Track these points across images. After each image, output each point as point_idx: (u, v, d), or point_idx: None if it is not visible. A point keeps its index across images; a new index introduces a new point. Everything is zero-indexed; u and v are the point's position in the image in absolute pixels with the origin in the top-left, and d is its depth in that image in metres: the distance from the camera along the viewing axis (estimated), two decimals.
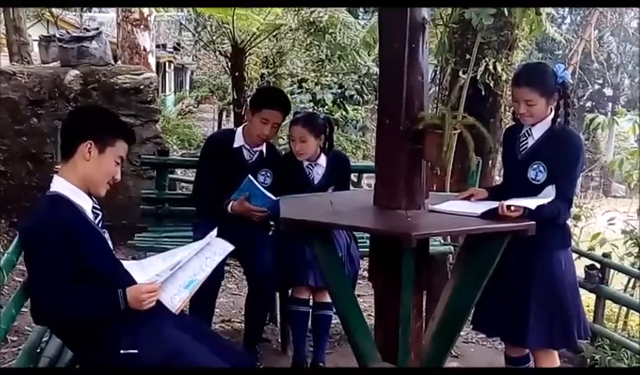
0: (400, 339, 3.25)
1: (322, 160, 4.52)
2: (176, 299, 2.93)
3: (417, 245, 3.00)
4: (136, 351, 2.80)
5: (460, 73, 7.25)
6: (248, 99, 7.81)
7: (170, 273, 2.94)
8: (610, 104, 40.75)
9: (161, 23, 19.85)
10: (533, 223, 3.21)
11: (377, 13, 11.62)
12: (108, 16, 20.21)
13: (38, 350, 3.03)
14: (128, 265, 3.02)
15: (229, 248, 3.26)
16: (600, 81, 40.70)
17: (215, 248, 3.21)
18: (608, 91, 41.71)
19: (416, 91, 3.35)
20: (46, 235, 2.70)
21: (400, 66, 3.30)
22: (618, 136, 29.34)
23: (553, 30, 11.06)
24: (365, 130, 18.50)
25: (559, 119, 3.52)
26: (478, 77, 7.34)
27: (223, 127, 17.16)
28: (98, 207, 2.96)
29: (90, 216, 2.88)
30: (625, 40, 37.22)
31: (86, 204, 2.87)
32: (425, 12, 3.39)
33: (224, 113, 18.99)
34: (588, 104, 37.32)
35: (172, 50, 25.54)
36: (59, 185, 2.85)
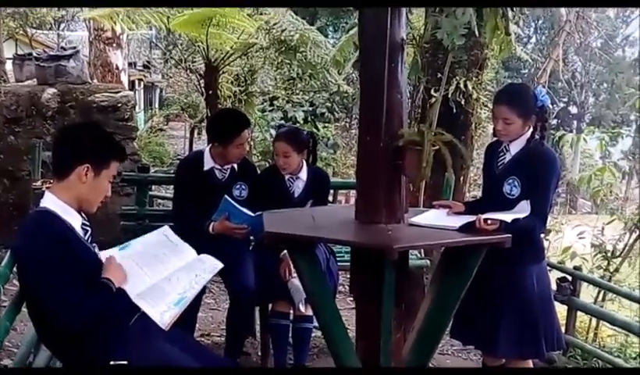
0: (381, 350, 3.33)
1: (304, 174, 4.62)
2: (166, 316, 2.97)
3: (397, 257, 3.11)
4: (125, 362, 2.86)
5: (432, 92, 7.38)
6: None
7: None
8: (575, 122, 41.30)
9: (131, 41, 19.86)
10: (509, 235, 3.32)
11: (347, 33, 11.70)
12: (77, 35, 20.17)
13: (27, 362, 3.07)
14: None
15: (219, 266, 3.33)
16: (565, 99, 41.24)
17: (205, 266, 3.27)
18: (573, 109, 42.24)
19: (396, 108, 3.45)
20: (39, 250, 2.74)
21: (380, 84, 3.40)
22: (583, 153, 29.79)
23: (519, 49, 11.28)
24: (336, 147, 18.62)
25: (535, 137, 3.66)
26: (450, 95, 7.45)
27: (195, 145, 17.20)
28: (87, 223, 3.02)
29: (80, 232, 2.94)
30: (590, 59, 37.84)
31: (75, 221, 2.92)
32: (404, 33, 3.51)
33: (195, 131, 19.01)
34: (554, 121, 37.80)
35: (141, 68, 25.53)
36: (49, 201, 2.89)
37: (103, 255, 3.13)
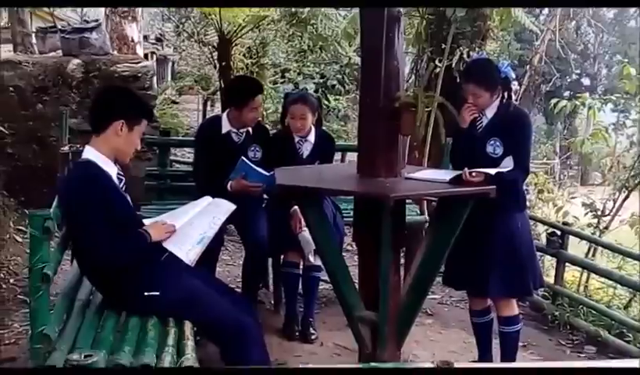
0: (380, 287, 3.72)
1: (312, 137, 5.02)
2: (192, 253, 3.43)
3: (394, 206, 3.51)
4: (158, 293, 3.31)
5: (437, 62, 7.70)
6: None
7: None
8: (588, 94, 41.14)
9: (144, 14, 20.08)
10: (494, 187, 3.71)
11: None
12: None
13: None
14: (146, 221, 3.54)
15: (232, 207, 3.79)
16: (578, 71, 41.16)
17: (220, 208, 3.73)
18: (586, 81, 42.13)
19: (393, 74, 3.84)
20: (81, 194, 3.18)
21: (378, 53, 3.78)
22: (596, 125, 29.84)
23: (529, 21, 11.53)
24: (347, 119, 18.86)
25: (504, 102, 4.12)
26: (453, 65, 7.75)
27: (209, 115, 17.51)
28: (122, 173, 3.46)
29: (116, 180, 3.37)
30: (602, 30, 37.77)
31: (112, 170, 3.35)
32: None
33: (208, 103, 19.27)
34: (567, 93, 37.78)
35: (154, 41, 25.76)
36: (90, 153, 3.32)
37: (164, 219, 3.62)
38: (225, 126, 4.98)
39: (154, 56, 27.14)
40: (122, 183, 3.43)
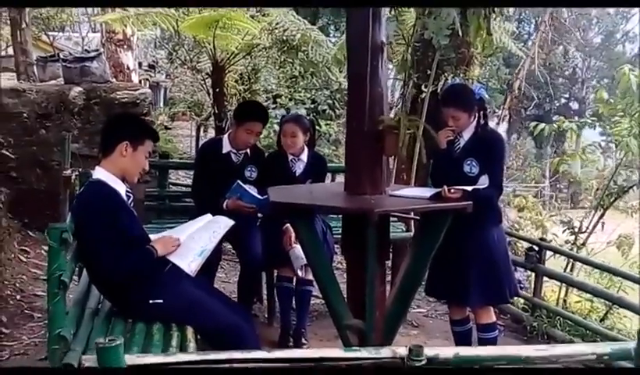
0: (367, 297, 3.99)
1: (304, 156, 5.34)
2: (193, 265, 3.72)
3: (378, 220, 3.81)
4: (162, 301, 3.60)
5: (422, 88, 8.00)
6: (229, 113, 8.61)
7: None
8: (577, 117, 41.64)
9: (138, 41, 20.43)
10: (471, 202, 4.03)
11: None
12: (90, 36, 20.80)
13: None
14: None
15: (230, 222, 4.10)
16: (567, 96, 41.64)
17: (219, 224, 4.04)
18: (574, 106, 42.65)
19: (377, 99, 4.16)
20: (93, 212, 3.49)
21: (363, 79, 4.10)
22: (586, 148, 30.24)
23: (516, 47, 11.88)
24: (338, 143, 19.14)
25: (481, 123, 4.46)
26: (439, 91, 8.05)
27: (201, 142, 17.79)
28: (130, 191, 3.76)
29: (125, 198, 3.68)
30: (590, 55, 38.32)
31: (121, 188, 3.66)
32: (384, 36, 4.21)
33: (201, 129, 19.55)
34: (555, 117, 38.26)
35: (147, 68, 26.09)
36: (101, 174, 3.63)
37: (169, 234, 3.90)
38: (226, 147, 5.28)
39: (147, 83, 27.50)
40: (130, 200, 3.74)
